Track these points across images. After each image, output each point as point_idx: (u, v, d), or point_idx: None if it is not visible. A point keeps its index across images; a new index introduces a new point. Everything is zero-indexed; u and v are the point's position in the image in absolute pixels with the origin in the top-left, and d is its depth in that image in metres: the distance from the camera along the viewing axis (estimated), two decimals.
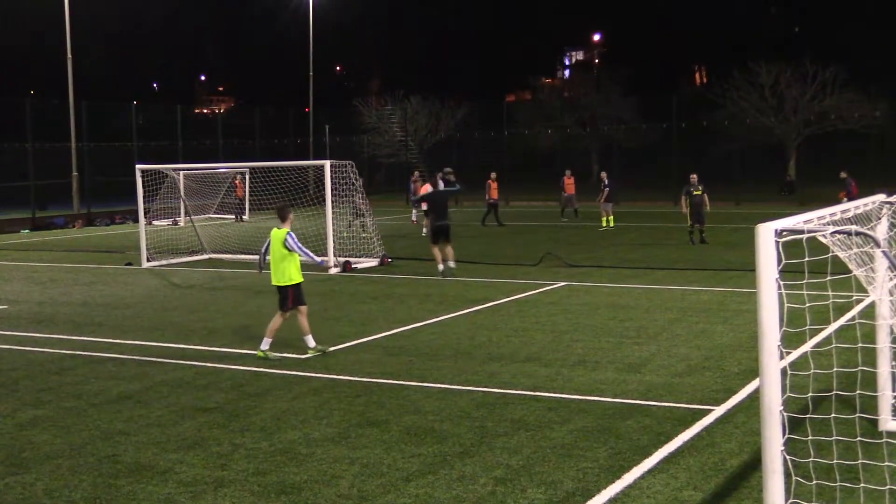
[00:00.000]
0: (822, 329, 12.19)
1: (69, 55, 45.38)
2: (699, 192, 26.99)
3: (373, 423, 9.85)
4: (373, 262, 23.79)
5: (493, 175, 36.66)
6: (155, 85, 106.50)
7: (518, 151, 58.14)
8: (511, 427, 9.57)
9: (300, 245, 13.27)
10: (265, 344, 13.18)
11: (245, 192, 40.81)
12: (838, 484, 7.21)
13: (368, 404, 10.57)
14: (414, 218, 38.43)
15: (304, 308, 13.38)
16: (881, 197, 8.35)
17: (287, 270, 13.18)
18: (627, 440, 9.06)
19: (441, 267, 20.96)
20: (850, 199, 30.50)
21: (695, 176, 27.17)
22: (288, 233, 13.15)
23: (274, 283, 13.36)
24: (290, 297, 13.24)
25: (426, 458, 8.70)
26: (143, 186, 26.46)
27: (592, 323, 15.18)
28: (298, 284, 13.29)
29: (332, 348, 13.56)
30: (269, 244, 13.40)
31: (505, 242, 29.46)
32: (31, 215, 41.58)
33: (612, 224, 33.77)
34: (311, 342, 13.35)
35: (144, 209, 26.79)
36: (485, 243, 28.93)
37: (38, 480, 8.39)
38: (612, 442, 9.01)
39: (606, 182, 34.16)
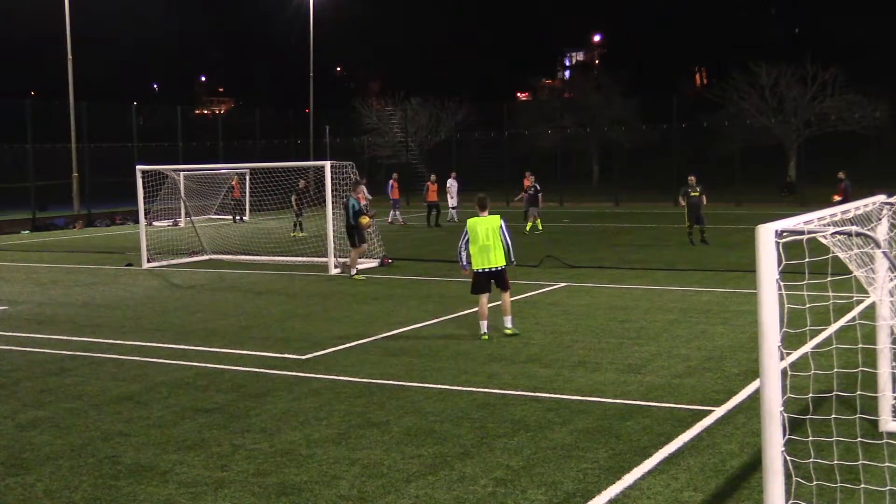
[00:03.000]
0: (822, 330, 12.19)
1: (69, 56, 45.38)
2: (696, 194, 26.86)
3: (373, 423, 9.85)
4: (373, 263, 23.78)
5: (433, 177, 37.22)
6: (155, 86, 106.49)
7: (518, 152, 58.13)
8: (511, 428, 9.57)
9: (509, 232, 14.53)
10: (483, 326, 14.23)
11: (245, 192, 40.82)
12: (839, 485, 7.21)
13: (369, 405, 10.58)
14: (390, 219, 38.31)
15: (510, 291, 14.60)
16: (881, 198, 8.34)
17: (501, 254, 14.27)
18: (628, 441, 9.06)
19: None
20: (843, 201, 30.35)
21: (693, 177, 27.07)
22: (503, 218, 14.39)
23: (484, 266, 14.26)
24: (506, 278, 14.42)
25: (426, 458, 8.70)
26: (144, 187, 26.46)
27: (593, 324, 15.18)
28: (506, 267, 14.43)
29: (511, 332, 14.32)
30: (468, 235, 14.26)
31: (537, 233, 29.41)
32: (32, 216, 41.56)
33: (539, 227, 32.30)
34: (508, 322, 14.37)
35: (145, 210, 26.79)
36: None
37: (39, 481, 8.39)
38: (612, 443, 9.01)
39: (538, 187, 32.76)
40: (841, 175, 32.40)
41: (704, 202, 27.13)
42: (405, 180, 52.93)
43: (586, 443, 9.03)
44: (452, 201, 40.00)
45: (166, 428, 9.90)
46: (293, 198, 32.64)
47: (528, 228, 32.12)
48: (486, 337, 14.13)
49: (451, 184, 40.60)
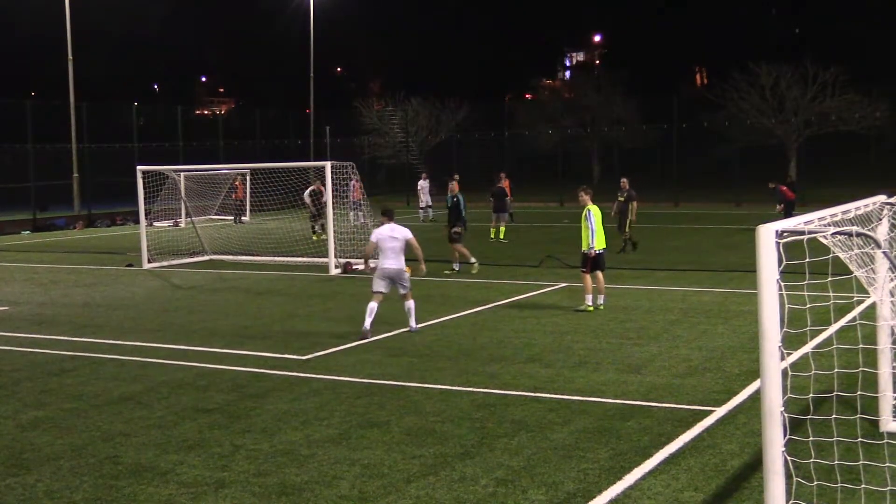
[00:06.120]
0: (822, 330, 12.20)
1: (70, 56, 45.39)
2: (622, 199, 25.63)
3: (374, 424, 9.85)
4: (374, 263, 23.71)
5: (456, 177, 36.24)
6: (156, 86, 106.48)
7: (518, 152, 58.15)
8: (512, 428, 9.57)
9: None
10: (589, 300, 16.30)
11: (246, 193, 40.81)
12: (839, 485, 7.21)
13: (369, 405, 10.58)
14: (353, 220, 36.69)
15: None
16: (882, 198, 8.35)
17: (603, 238, 16.69)
18: (628, 441, 9.06)
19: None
20: (786, 207, 29.06)
21: (624, 181, 26.06)
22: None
23: (602, 247, 16.57)
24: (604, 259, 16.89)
25: (427, 459, 8.70)
26: (144, 187, 26.46)
27: (593, 324, 15.19)
28: None
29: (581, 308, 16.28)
30: (593, 216, 16.41)
31: (505, 244, 29.43)
32: (32, 216, 41.56)
33: (502, 236, 30.61)
34: (601, 300, 16.50)
35: (145, 210, 26.79)
36: (486, 245, 28.92)
37: (39, 481, 8.39)
38: (612, 443, 9.01)
39: (503, 188, 31.38)
40: (771, 185, 30.05)
41: (633, 208, 25.58)
42: (407, 181, 52.98)
43: (587, 443, 9.03)
44: (424, 200, 39.90)
45: (167, 428, 9.90)
46: (309, 200, 32.32)
47: (502, 236, 30.69)
48: (592, 308, 16.21)
49: (423, 185, 40.53)
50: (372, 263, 15.12)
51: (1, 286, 22.02)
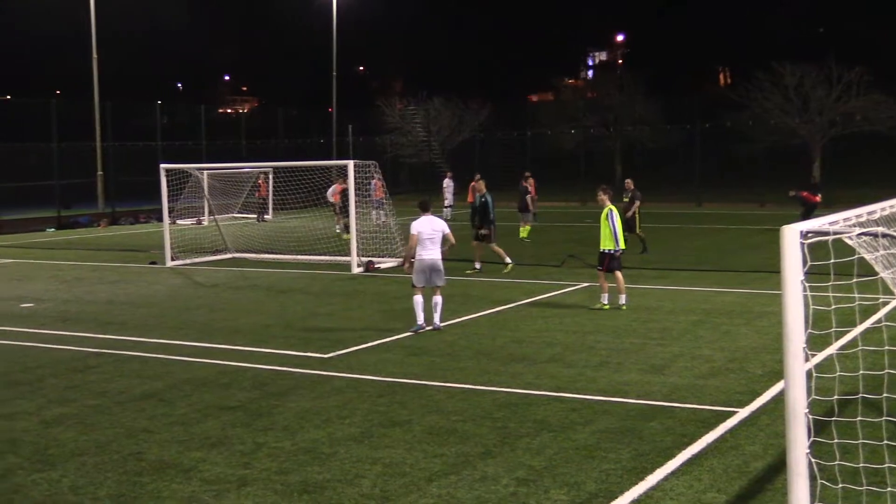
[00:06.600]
0: (847, 331, 12.13)
1: (94, 55, 45.67)
2: (626, 200, 25.29)
3: (395, 422, 9.86)
4: (396, 262, 23.78)
5: (478, 177, 35.90)
6: (179, 85, 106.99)
7: (541, 152, 58.00)
8: (534, 428, 9.56)
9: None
10: (604, 298, 16.59)
11: (269, 191, 40.92)
12: (864, 487, 7.15)
13: (391, 404, 10.59)
14: (375, 219, 36.32)
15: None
16: None
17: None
18: (651, 442, 9.02)
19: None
20: (807, 209, 28.15)
21: (629, 181, 25.91)
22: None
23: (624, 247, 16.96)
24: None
25: (448, 458, 8.70)
26: (168, 186, 26.59)
27: (615, 324, 15.14)
28: None
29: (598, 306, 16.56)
30: (615, 216, 16.62)
31: (528, 243, 29.38)
32: (57, 214, 41.87)
33: (525, 235, 30.21)
34: (605, 299, 16.59)
35: (168, 208, 26.92)
36: (507, 244, 28.87)
37: (64, 477, 8.45)
38: (635, 443, 8.98)
39: (528, 188, 31.26)
40: (792, 193, 28.91)
41: (633, 210, 25.05)
42: (429, 180, 53.04)
43: (609, 443, 9.01)
44: (448, 200, 40.02)
45: (190, 425, 9.95)
46: (338, 198, 32.20)
47: (525, 234, 30.42)
48: (608, 307, 16.42)
49: (448, 184, 40.63)
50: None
51: (26, 283, 22.19)
